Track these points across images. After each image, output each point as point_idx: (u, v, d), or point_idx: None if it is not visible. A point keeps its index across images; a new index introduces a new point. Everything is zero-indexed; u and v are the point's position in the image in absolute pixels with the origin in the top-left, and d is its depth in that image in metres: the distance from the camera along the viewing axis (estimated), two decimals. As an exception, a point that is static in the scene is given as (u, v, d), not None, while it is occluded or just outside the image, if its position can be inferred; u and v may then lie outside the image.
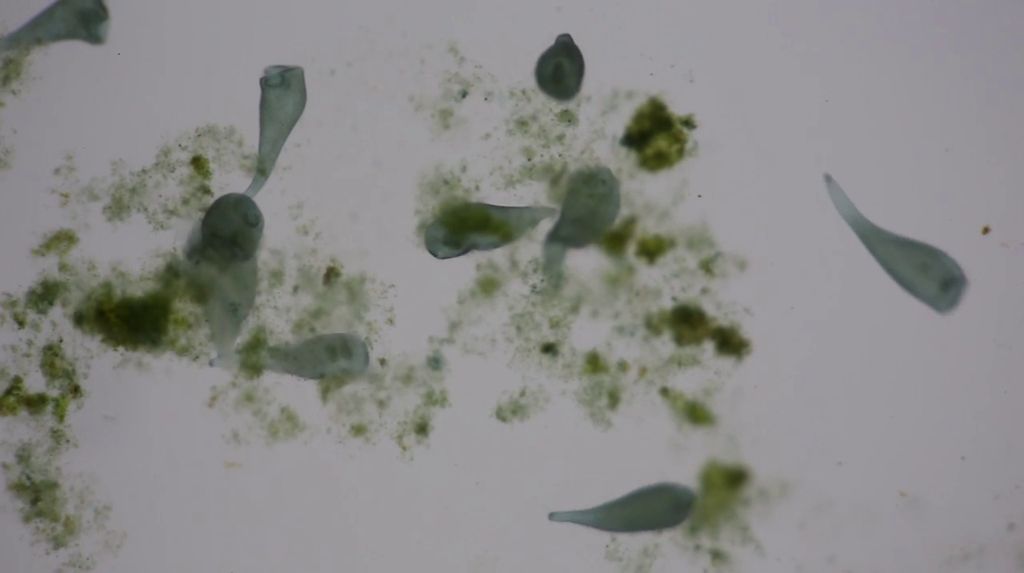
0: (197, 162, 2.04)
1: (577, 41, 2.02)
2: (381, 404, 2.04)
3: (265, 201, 2.04)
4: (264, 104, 2.02)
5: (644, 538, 2.02)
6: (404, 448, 2.03)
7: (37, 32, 2.05)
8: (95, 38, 2.04)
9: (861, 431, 2.01)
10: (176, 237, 2.03)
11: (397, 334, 2.04)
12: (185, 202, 2.04)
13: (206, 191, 2.04)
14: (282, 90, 2.01)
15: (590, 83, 2.02)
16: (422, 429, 2.04)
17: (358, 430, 2.03)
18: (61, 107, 2.05)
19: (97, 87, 2.05)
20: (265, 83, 2.01)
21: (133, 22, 2.05)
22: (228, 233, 2.00)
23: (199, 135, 2.04)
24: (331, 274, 2.03)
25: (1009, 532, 2.00)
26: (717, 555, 2.02)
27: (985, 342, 2.00)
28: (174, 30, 2.05)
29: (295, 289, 2.04)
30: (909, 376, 2.01)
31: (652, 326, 2.02)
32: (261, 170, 2.02)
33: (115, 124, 2.05)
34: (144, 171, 2.04)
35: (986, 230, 2.00)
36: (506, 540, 2.04)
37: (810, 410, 2.01)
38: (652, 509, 1.99)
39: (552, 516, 2.01)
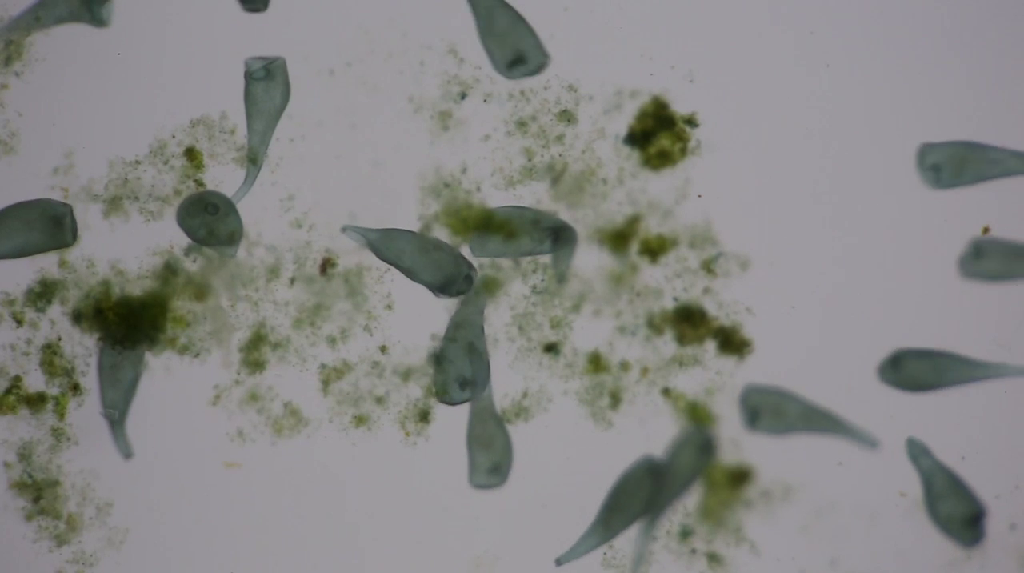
0: (191, 153, 2.01)
1: (577, 41, 2.00)
2: (379, 401, 2.01)
3: (260, 197, 2.01)
4: (250, 97, 1.99)
5: (639, 544, 2.00)
6: (407, 433, 2.01)
7: (40, 14, 2.01)
8: (99, 21, 2.01)
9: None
10: (173, 233, 2.01)
11: (397, 320, 2.02)
12: (177, 193, 2.01)
13: (199, 184, 2.01)
14: (267, 82, 1.98)
15: (592, 83, 2.00)
16: (424, 417, 2.01)
17: (360, 421, 2.01)
18: (64, 91, 2.02)
19: (99, 72, 2.02)
20: (249, 76, 1.98)
21: (136, 7, 2.02)
22: (202, 231, 1.99)
23: (193, 126, 2.01)
24: (327, 264, 2.00)
25: (1011, 532, 1.99)
26: (713, 558, 2.00)
27: (985, 342, 1.98)
28: (175, 25, 2.02)
29: (292, 281, 2.00)
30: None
31: (654, 326, 1.99)
32: (252, 160, 1.99)
33: (115, 113, 2.01)
34: (137, 162, 2.01)
35: (986, 230, 1.98)
36: (506, 540, 2.01)
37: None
38: (635, 494, 1.97)
39: (559, 561, 1.99)
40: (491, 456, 1.97)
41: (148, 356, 2.01)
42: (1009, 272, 1.93)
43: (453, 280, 1.95)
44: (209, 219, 1.97)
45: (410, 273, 1.96)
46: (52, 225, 1.98)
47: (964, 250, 1.95)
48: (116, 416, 2.00)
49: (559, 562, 1.98)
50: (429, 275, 1.95)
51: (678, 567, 2.00)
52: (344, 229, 1.97)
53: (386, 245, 1.96)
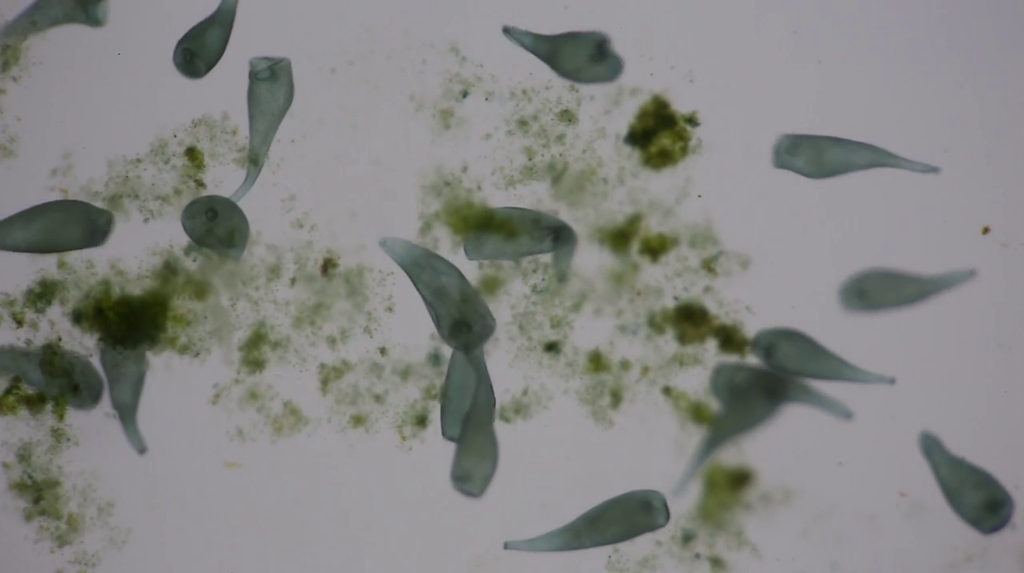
0: (192, 153, 2.00)
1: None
2: (378, 399, 2.00)
3: (261, 197, 2.00)
4: (253, 97, 1.98)
5: (643, 548, 1.99)
6: (403, 438, 2.00)
7: (35, 17, 2.00)
8: (94, 20, 2.00)
9: (861, 431, 1.97)
10: (173, 232, 2.00)
11: (397, 322, 2.01)
12: (177, 193, 2.00)
13: (200, 184, 2.00)
14: (271, 83, 1.97)
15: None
16: (421, 421, 2.00)
17: (358, 421, 2.00)
18: (62, 93, 2.01)
19: (98, 74, 2.01)
20: (254, 76, 1.97)
21: (132, 5, 2.01)
22: (206, 235, 1.99)
23: (195, 126, 2.00)
24: (328, 265, 1.99)
25: (1012, 533, 1.97)
26: (716, 562, 1.99)
27: (985, 342, 1.97)
28: (173, 24, 2.00)
29: (292, 281, 2.00)
30: (909, 375, 1.97)
31: (655, 325, 1.98)
32: (254, 160, 1.99)
33: (115, 114, 2.01)
34: (139, 160, 2.00)
35: (986, 230, 1.97)
36: (506, 540, 2.00)
37: (811, 410, 1.98)
38: (622, 517, 1.96)
39: (507, 546, 1.98)
40: (473, 465, 1.96)
41: (149, 355, 2.00)
42: (894, 300, 1.93)
43: (473, 321, 1.93)
44: (208, 223, 1.96)
45: (433, 300, 1.95)
46: (90, 227, 1.97)
47: (844, 286, 1.95)
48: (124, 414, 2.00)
49: (507, 546, 1.97)
50: (455, 310, 1.93)
51: (681, 571, 1.99)
52: (383, 242, 1.95)
53: (426, 263, 1.95)
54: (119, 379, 1.98)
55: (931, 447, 1.94)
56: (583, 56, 1.95)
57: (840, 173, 1.94)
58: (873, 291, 1.93)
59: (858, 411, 1.97)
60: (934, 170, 1.91)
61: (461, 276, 1.96)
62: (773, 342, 1.94)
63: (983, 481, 1.93)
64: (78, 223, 1.98)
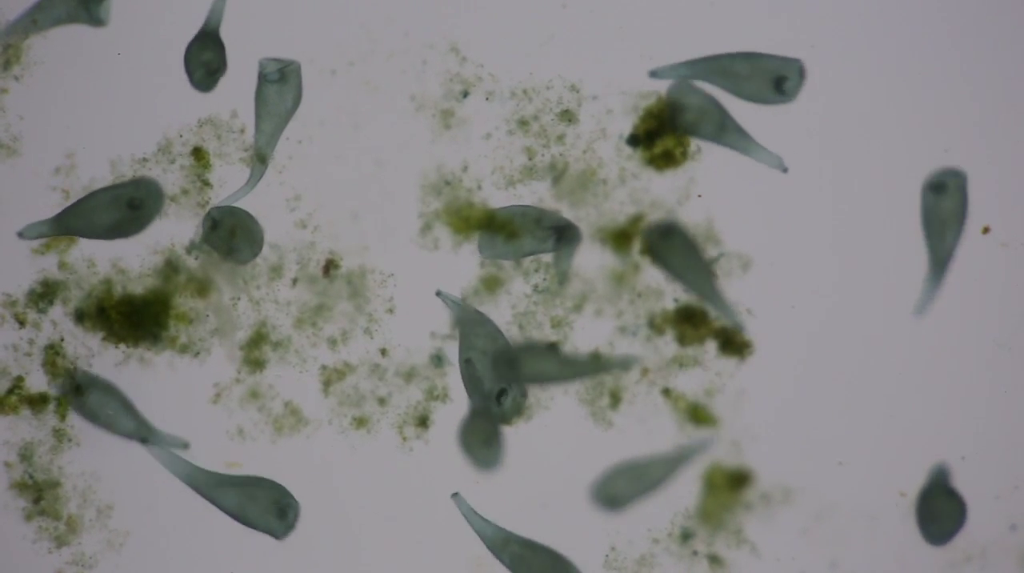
0: (198, 153, 2.00)
1: (577, 42, 1.99)
2: (382, 401, 2.00)
3: (264, 198, 2.01)
4: (261, 99, 1.99)
5: (641, 546, 1.99)
6: (404, 438, 2.00)
7: (37, 17, 2.01)
8: (96, 20, 2.01)
9: (861, 431, 1.98)
10: (174, 230, 2.01)
11: (397, 324, 2.01)
12: (184, 192, 2.00)
13: (206, 183, 2.01)
14: (280, 85, 1.98)
15: (593, 83, 1.98)
16: (423, 422, 2.00)
17: (360, 422, 2.00)
18: (65, 93, 2.02)
19: (102, 73, 2.02)
20: (263, 78, 1.97)
21: (134, 5, 2.02)
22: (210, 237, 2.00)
23: (200, 126, 2.00)
24: (330, 266, 1.99)
25: (1011, 533, 1.97)
26: (715, 561, 1.99)
27: (985, 342, 1.97)
28: (176, 24, 2.01)
29: (294, 282, 2.00)
30: (909, 376, 1.98)
31: (655, 326, 1.98)
32: (261, 160, 1.99)
33: (117, 113, 2.02)
34: (144, 159, 2.00)
35: (986, 230, 1.97)
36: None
37: (811, 410, 1.98)
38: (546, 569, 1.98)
39: (455, 496, 1.99)
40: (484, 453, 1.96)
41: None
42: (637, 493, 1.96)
43: (521, 389, 1.95)
44: (216, 231, 1.96)
45: (473, 358, 1.95)
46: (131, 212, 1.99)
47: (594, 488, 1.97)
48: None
49: (454, 496, 1.98)
50: (493, 377, 1.95)
51: (679, 569, 1.99)
52: (439, 293, 1.96)
53: (473, 318, 1.96)
54: (110, 421, 1.99)
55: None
56: (763, 79, 1.95)
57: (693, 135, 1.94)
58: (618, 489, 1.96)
59: (858, 411, 1.97)
60: (784, 170, 1.92)
61: (507, 342, 1.97)
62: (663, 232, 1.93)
63: None
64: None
